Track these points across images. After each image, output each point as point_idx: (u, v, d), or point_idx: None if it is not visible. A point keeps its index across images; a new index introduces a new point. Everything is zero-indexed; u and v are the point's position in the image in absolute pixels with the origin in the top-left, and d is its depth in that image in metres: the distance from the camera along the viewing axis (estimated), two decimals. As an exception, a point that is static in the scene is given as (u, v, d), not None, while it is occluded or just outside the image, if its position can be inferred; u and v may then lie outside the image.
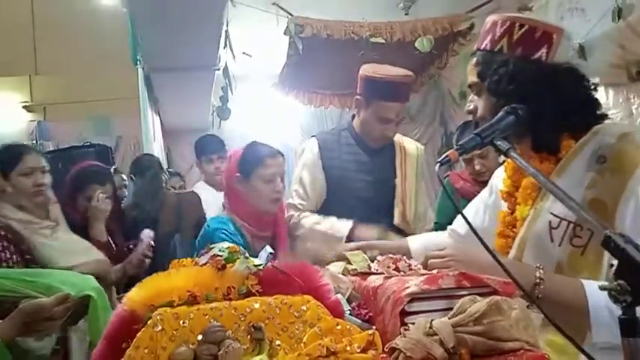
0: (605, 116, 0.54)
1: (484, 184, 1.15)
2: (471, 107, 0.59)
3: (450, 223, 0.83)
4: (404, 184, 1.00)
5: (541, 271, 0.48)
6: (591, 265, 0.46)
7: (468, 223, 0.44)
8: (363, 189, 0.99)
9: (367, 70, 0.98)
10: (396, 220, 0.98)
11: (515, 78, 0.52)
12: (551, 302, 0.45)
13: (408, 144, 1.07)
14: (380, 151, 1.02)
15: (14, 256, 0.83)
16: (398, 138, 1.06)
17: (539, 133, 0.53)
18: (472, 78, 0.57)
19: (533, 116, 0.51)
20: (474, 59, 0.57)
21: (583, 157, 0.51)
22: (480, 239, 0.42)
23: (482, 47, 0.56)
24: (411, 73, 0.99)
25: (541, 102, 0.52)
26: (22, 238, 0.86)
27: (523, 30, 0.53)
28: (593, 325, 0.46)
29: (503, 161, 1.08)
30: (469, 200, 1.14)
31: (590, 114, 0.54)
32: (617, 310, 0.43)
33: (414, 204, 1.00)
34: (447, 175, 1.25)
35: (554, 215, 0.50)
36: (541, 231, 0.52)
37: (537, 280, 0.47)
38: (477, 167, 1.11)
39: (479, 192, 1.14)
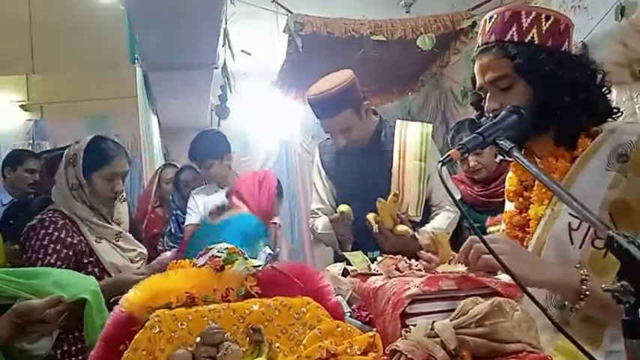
0: (618, 110, 0.54)
1: (481, 183, 1.15)
2: (496, 105, 0.53)
3: None
4: (402, 168, 0.99)
5: (583, 270, 0.47)
6: (614, 267, 0.45)
7: (474, 227, 0.43)
8: (359, 183, 1.01)
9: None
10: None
11: (565, 68, 0.51)
12: (594, 301, 0.44)
13: (411, 128, 1.04)
14: (375, 144, 1.03)
15: (60, 262, 0.80)
16: (400, 125, 1.04)
17: (568, 125, 0.52)
18: (498, 72, 0.52)
19: (566, 107, 0.50)
20: (495, 51, 0.52)
21: (601, 155, 0.50)
22: (488, 246, 0.41)
23: (507, 39, 0.52)
24: (334, 85, 0.93)
25: (578, 93, 0.51)
26: (84, 239, 0.84)
27: (550, 21, 0.52)
28: None
29: (501, 160, 1.07)
30: (471, 206, 1.10)
31: (608, 108, 0.53)
32: None
33: (420, 186, 0.98)
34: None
35: (574, 216, 0.49)
36: (560, 232, 0.50)
37: (583, 277, 0.46)
38: (472, 164, 1.09)
39: (477, 194, 1.14)
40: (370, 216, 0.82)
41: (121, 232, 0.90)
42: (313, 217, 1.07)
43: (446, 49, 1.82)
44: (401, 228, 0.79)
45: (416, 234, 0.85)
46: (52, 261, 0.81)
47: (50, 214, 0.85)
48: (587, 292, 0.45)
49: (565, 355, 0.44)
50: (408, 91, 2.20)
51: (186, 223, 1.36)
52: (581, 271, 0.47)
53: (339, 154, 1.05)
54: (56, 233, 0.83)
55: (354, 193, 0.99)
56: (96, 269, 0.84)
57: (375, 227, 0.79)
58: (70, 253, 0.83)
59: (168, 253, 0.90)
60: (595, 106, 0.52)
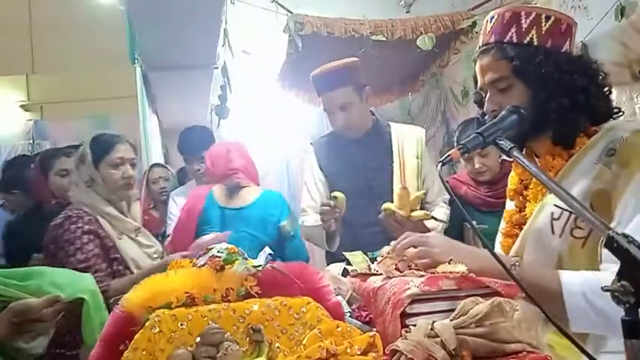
0: (619, 110, 0.54)
1: (485, 184, 1.14)
2: (495, 106, 0.53)
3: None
4: (403, 166, 1.02)
5: (517, 258, 0.49)
6: (593, 257, 0.45)
7: (473, 227, 0.43)
8: (360, 177, 1.02)
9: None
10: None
11: (563, 70, 0.51)
12: (526, 285, 0.45)
13: (407, 129, 1.09)
14: (372, 139, 1.05)
15: (98, 249, 0.82)
16: (396, 126, 1.09)
17: (566, 127, 0.52)
18: (498, 73, 0.52)
19: (564, 109, 0.50)
20: (494, 53, 0.52)
21: (594, 153, 0.51)
22: (485, 242, 0.42)
23: (506, 40, 0.52)
24: (339, 62, 1.01)
25: (576, 95, 0.51)
26: (108, 235, 0.86)
27: (550, 22, 0.52)
28: (569, 312, 0.45)
29: (503, 160, 1.07)
30: (475, 207, 1.10)
31: (608, 107, 0.53)
32: (596, 298, 0.43)
33: (418, 183, 1.00)
34: (447, 182, 1.22)
35: (557, 206, 0.50)
36: (543, 223, 0.51)
37: (513, 262, 0.47)
38: (477, 165, 1.10)
39: (483, 196, 1.14)
40: (388, 205, 0.81)
41: (139, 228, 0.92)
42: (303, 215, 1.06)
43: (446, 49, 1.82)
44: (419, 212, 0.79)
45: (433, 218, 0.85)
46: (90, 247, 0.82)
47: (76, 211, 0.87)
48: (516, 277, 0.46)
49: (559, 346, 0.44)
50: (408, 91, 2.20)
51: (168, 232, 1.32)
52: (512, 259, 0.48)
53: (336, 151, 1.05)
54: (87, 226, 0.85)
55: (352, 189, 0.99)
56: (120, 266, 0.86)
57: (402, 212, 0.77)
58: (102, 244, 0.85)
59: (207, 237, 0.88)
60: (594, 108, 0.52)
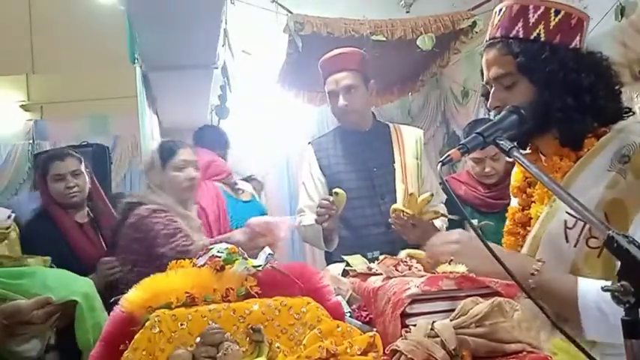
0: (629, 110, 0.52)
1: (489, 187, 1.11)
2: (498, 103, 0.51)
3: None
4: (404, 166, 1.02)
5: (540, 263, 0.47)
6: (608, 267, 0.44)
7: (473, 227, 0.43)
8: (362, 177, 1.02)
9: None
10: (401, 201, 0.99)
11: (568, 68, 0.49)
12: (543, 294, 0.45)
13: (405, 129, 1.10)
14: (374, 138, 1.05)
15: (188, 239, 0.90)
16: (394, 125, 1.10)
17: (572, 127, 0.50)
18: (503, 69, 0.51)
19: (569, 108, 0.49)
20: (500, 47, 0.50)
21: (605, 155, 0.49)
22: (482, 238, 0.41)
23: (512, 35, 0.50)
24: (348, 48, 1.03)
25: (584, 93, 0.49)
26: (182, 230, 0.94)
27: (560, 16, 0.50)
28: (583, 321, 0.45)
29: (507, 162, 1.05)
30: (474, 207, 1.10)
31: (618, 107, 0.52)
32: (609, 308, 0.43)
33: (419, 184, 1.01)
34: (446, 181, 1.21)
35: (570, 215, 0.49)
36: (556, 230, 0.50)
37: (533, 271, 0.47)
38: (487, 169, 1.09)
39: (483, 196, 1.11)
40: (397, 205, 0.81)
41: (200, 224, 1.02)
42: (300, 215, 1.05)
43: (446, 49, 1.81)
44: (429, 213, 0.78)
45: (443, 215, 0.85)
46: (174, 223, 0.92)
47: (155, 206, 0.96)
48: (533, 286, 0.45)
49: (563, 351, 0.44)
50: (408, 91, 2.19)
51: None
52: (534, 265, 0.47)
53: (337, 149, 1.05)
54: (168, 215, 0.94)
55: (354, 188, 0.98)
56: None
57: (409, 211, 0.76)
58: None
59: (236, 234, 0.96)
60: (601, 108, 0.50)
